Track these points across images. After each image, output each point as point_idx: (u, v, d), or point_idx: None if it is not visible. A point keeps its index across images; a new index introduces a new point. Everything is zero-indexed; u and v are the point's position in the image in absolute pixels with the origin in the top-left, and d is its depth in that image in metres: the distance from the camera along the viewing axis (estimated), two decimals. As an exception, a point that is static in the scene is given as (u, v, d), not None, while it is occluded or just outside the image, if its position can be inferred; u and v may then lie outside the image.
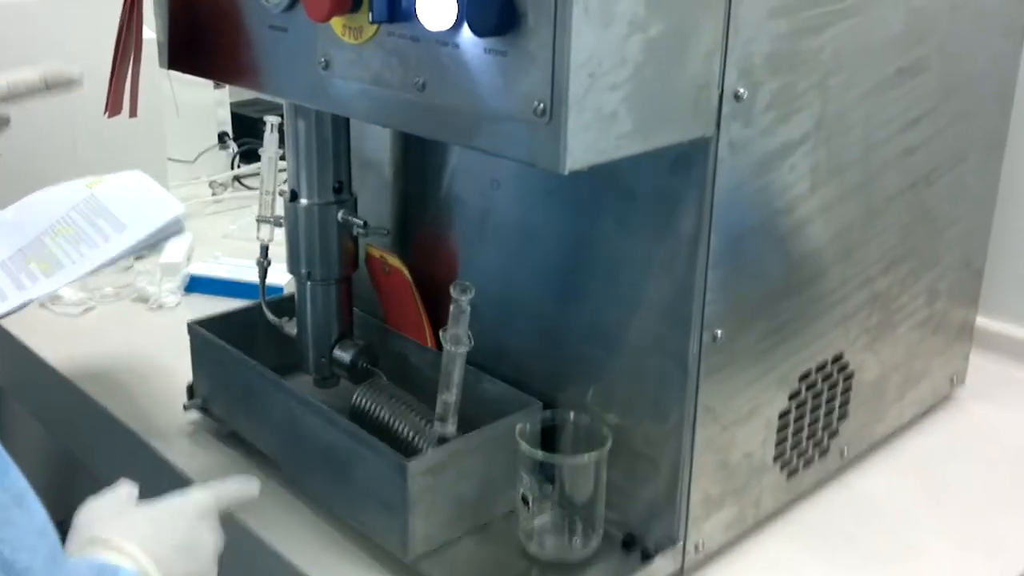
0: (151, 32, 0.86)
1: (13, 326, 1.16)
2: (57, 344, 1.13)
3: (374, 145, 0.95)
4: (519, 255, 0.83)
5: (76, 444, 1.17)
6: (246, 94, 1.77)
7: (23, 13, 1.21)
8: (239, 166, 1.66)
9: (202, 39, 0.83)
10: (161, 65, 0.87)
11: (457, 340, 0.76)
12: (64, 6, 1.24)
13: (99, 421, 1.01)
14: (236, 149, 1.66)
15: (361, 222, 0.88)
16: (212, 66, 0.84)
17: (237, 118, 1.71)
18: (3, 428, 1.47)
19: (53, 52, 1.21)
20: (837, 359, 0.85)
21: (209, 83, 1.60)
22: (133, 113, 0.88)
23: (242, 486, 0.75)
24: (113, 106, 0.87)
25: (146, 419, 0.98)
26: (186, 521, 0.68)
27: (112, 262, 0.90)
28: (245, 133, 1.70)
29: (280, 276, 1.04)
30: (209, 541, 0.69)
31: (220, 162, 1.65)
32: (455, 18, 0.61)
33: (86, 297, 1.23)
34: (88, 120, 1.24)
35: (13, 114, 0.94)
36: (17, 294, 0.88)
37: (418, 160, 0.92)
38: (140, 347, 1.13)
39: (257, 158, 1.66)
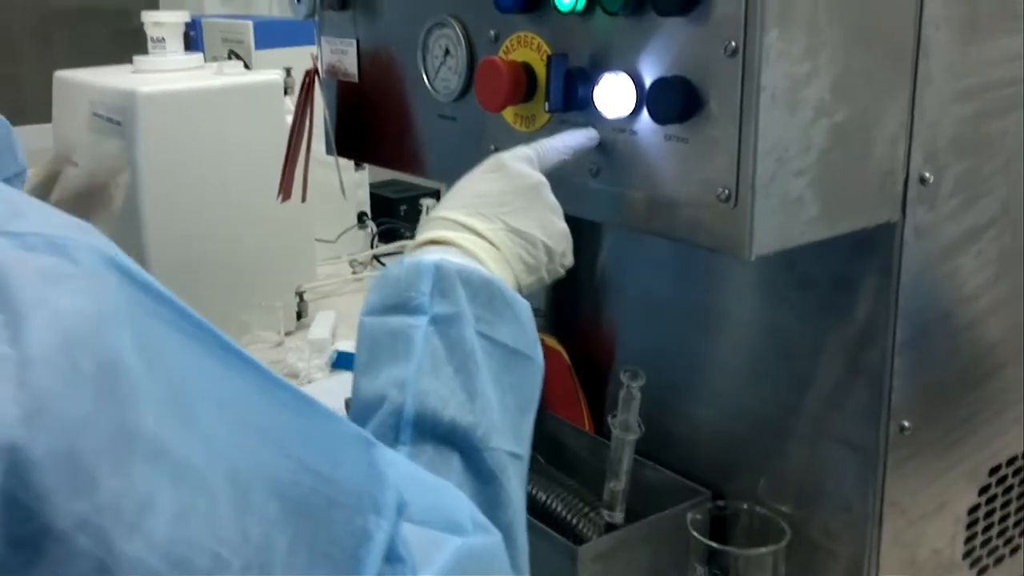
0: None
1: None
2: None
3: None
4: (682, 339, 0.82)
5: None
6: (384, 175, 1.83)
7: (185, 102, 1.29)
8: (377, 245, 1.71)
9: (370, 128, 0.86)
10: (328, 152, 0.91)
11: (626, 426, 0.75)
12: (221, 96, 1.31)
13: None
14: (375, 229, 1.71)
15: (518, 303, 0.89)
16: (378, 153, 0.87)
17: (375, 199, 1.77)
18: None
19: (213, 140, 1.30)
20: (1028, 452, 0.80)
21: (350, 165, 1.66)
22: (304, 198, 0.92)
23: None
24: (286, 192, 0.91)
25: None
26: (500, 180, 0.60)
27: None
28: (383, 213, 1.76)
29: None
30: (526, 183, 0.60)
31: (360, 241, 1.70)
32: (633, 106, 0.61)
33: (239, 373, 1.27)
34: (248, 202, 1.31)
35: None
36: None
37: (573, 241, 0.93)
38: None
39: (395, 237, 1.72)
